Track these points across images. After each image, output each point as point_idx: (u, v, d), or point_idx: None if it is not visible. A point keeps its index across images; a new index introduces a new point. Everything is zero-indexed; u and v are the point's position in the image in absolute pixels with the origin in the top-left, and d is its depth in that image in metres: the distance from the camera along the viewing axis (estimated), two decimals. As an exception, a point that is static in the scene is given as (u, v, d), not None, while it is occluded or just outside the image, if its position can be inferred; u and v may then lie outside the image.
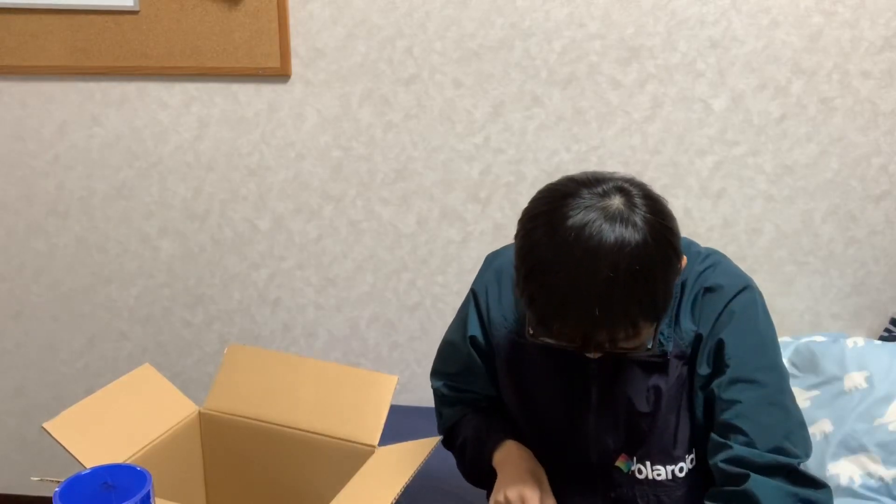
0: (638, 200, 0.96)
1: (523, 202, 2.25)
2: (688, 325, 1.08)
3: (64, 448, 1.10)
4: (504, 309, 1.18)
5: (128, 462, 1.14)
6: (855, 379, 1.73)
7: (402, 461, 1.12)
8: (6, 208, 2.11)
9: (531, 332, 1.01)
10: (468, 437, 1.23)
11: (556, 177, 1.05)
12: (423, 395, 2.15)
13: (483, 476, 1.22)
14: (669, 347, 1.07)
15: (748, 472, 1.02)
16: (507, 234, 2.01)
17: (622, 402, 1.10)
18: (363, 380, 1.28)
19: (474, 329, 1.21)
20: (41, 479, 1.08)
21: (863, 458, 1.63)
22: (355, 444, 1.22)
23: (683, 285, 1.09)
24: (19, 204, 2.11)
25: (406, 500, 1.07)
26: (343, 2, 1.90)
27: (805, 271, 1.96)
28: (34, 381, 2.24)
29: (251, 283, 2.11)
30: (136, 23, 1.93)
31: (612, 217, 0.93)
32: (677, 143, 1.90)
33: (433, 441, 1.17)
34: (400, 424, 1.28)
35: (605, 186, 0.97)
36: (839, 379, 1.74)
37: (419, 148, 1.97)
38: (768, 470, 1.02)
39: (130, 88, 2.00)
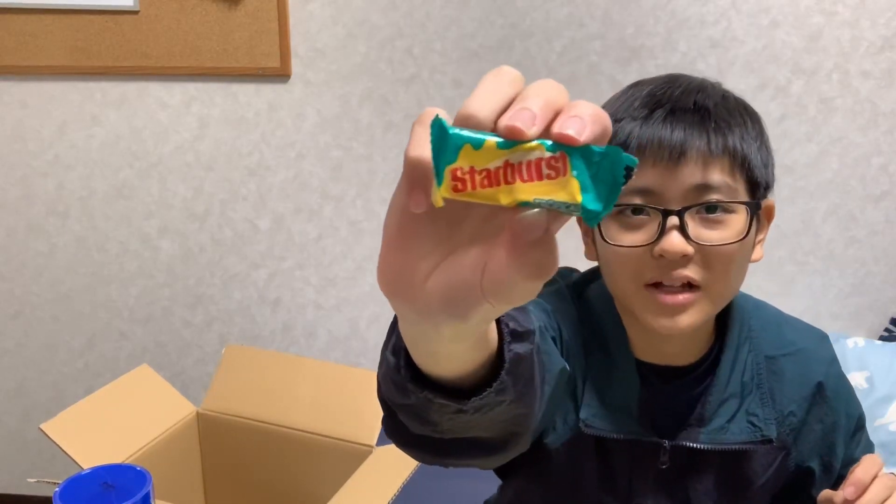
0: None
1: (523, 202, 2.24)
2: (789, 406, 0.91)
3: (61, 449, 1.10)
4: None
5: (125, 462, 1.14)
6: (855, 379, 1.73)
7: (400, 461, 1.12)
8: (6, 208, 2.11)
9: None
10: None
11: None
12: (423, 396, 2.14)
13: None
14: (773, 433, 0.88)
15: None
16: (506, 235, 2.01)
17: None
18: (362, 380, 1.27)
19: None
20: (38, 481, 1.08)
21: (862, 459, 1.63)
22: (353, 444, 1.22)
23: (774, 361, 0.91)
24: (19, 204, 2.11)
25: (403, 499, 1.07)
26: (343, 2, 1.89)
27: (805, 271, 1.95)
28: (34, 381, 2.24)
29: (251, 283, 2.11)
30: (136, 23, 1.93)
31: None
32: (677, 143, 1.90)
33: (431, 441, 1.17)
34: (398, 425, 1.28)
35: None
36: (839, 379, 1.74)
37: (419, 148, 1.97)
38: None
39: (130, 88, 2.00)
